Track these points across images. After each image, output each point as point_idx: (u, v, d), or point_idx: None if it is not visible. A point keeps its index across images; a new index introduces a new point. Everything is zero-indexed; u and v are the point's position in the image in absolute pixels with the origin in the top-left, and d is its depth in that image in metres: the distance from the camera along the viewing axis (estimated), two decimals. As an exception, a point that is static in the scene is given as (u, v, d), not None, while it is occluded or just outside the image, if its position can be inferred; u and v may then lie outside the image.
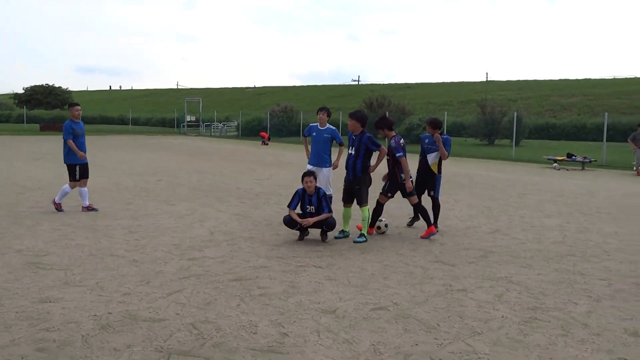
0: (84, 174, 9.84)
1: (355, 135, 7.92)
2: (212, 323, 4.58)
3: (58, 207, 9.62)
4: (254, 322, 4.61)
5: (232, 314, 4.81)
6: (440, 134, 8.73)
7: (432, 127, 8.76)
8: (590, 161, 21.90)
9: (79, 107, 9.94)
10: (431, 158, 8.67)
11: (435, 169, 8.66)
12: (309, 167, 8.68)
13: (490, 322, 4.73)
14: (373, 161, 7.99)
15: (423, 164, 8.77)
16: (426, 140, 8.78)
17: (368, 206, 7.90)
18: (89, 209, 9.77)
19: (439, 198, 8.82)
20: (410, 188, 8.00)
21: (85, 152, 9.82)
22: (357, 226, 8.34)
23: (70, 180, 9.76)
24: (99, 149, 26.48)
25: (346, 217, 8.08)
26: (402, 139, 8.14)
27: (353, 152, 7.89)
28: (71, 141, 9.61)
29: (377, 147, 7.82)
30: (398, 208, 10.72)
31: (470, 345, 4.24)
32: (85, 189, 9.85)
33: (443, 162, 8.81)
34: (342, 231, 8.03)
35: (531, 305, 5.20)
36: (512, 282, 5.97)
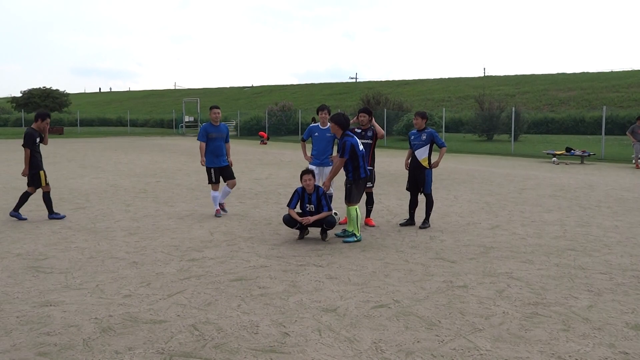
0: (226, 176, 9.68)
1: (337, 138, 7.94)
2: (213, 324, 4.57)
3: (221, 210, 9.73)
4: (255, 322, 4.61)
5: (233, 314, 4.81)
6: (425, 128, 8.72)
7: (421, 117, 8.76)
8: (589, 155, 21.90)
9: (217, 110, 9.57)
10: (420, 154, 8.66)
11: (425, 164, 8.66)
12: (312, 167, 8.65)
13: (491, 318, 4.73)
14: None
15: (413, 161, 8.78)
16: (412, 137, 8.79)
17: (357, 206, 7.80)
18: (221, 208, 9.79)
19: (432, 193, 8.81)
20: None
21: (223, 155, 9.64)
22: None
23: (208, 183, 9.78)
24: (98, 151, 26.47)
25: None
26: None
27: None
28: (202, 144, 9.50)
29: (337, 153, 7.74)
30: (399, 206, 10.72)
31: (472, 341, 4.23)
32: (229, 189, 9.80)
33: (442, 158, 8.80)
34: (345, 230, 7.97)
35: (532, 301, 5.20)
36: (512, 277, 5.96)
